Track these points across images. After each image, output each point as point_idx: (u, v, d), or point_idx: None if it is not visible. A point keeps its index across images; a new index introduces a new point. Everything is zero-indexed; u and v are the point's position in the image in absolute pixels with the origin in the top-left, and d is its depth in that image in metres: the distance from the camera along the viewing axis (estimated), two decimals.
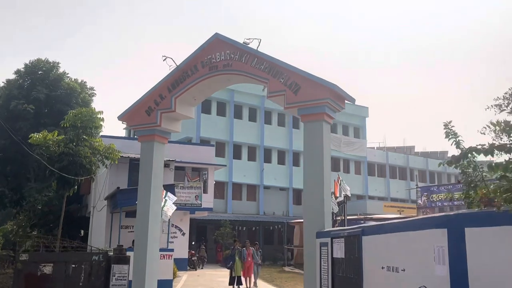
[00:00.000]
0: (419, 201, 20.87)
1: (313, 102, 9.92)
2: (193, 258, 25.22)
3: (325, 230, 9.44)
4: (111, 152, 15.36)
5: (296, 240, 31.98)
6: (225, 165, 33.52)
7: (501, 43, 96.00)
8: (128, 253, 12.02)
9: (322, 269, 9.18)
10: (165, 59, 11.67)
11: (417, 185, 21.94)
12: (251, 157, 42.29)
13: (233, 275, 16.42)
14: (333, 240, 8.53)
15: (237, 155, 40.86)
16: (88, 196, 25.05)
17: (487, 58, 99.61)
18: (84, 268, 11.22)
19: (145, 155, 12.39)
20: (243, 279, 16.71)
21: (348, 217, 30.79)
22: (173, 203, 15.15)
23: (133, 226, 18.74)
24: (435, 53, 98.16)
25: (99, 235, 19.45)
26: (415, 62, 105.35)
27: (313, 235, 9.76)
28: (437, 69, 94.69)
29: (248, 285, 16.76)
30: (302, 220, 29.76)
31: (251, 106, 42.94)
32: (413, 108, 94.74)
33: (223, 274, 23.70)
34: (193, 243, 27.41)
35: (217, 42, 11.28)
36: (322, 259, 9.20)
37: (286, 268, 28.72)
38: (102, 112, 15.51)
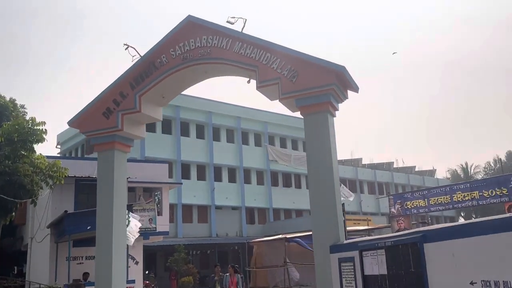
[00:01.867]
0: (392, 210, 19.85)
1: (316, 90, 8.30)
2: None
3: (346, 242, 7.76)
4: (56, 171, 12.91)
5: (254, 261, 30.03)
6: (181, 183, 31.20)
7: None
8: None
9: None
10: (126, 48, 9.69)
11: (388, 193, 20.90)
12: (201, 176, 40.13)
13: None
14: (363, 253, 6.85)
15: (185, 174, 38.54)
16: (24, 227, 21.89)
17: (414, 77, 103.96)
18: None
19: (103, 168, 10.19)
20: None
21: (306, 233, 29.48)
22: (136, 225, 12.95)
23: (82, 257, 16.14)
24: (374, 69, 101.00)
25: (41, 270, 16.61)
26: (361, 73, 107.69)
27: (326, 250, 8.04)
28: (377, 79, 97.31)
29: None
30: (262, 239, 27.84)
31: (198, 123, 40.94)
32: (359, 120, 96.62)
33: None
34: (147, 272, 24.79)
35: (191, 25, 9.44)
36: (344, 278, 7.47)
37: None
38: (44, 123, 13.08)
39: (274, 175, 45.04)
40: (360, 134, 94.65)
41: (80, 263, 15.76)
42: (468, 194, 17.25)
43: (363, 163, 55.61)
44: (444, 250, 5.25)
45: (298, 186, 46.71)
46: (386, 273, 6.21)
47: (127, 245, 10.96)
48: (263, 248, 31.23)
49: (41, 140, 12.94)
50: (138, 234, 13.40)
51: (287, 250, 27.17)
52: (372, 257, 6.56)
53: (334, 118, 8.90)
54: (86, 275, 14.52)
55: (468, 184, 17.89)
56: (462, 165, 65.70)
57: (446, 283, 5.24)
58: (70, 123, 10.37)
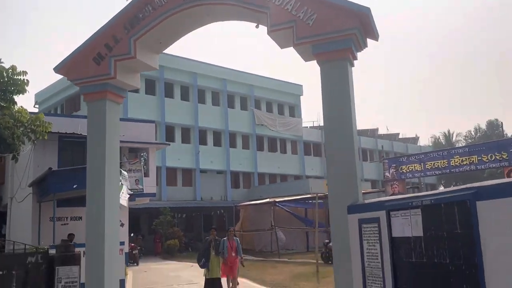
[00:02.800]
0: (387, 174, 19.41)
1: (336, 35, 7.43)
2: (134, 252, 22.05)
3: (368, 201, 7.11)
4: (39, 125, 11.88)
5: (241, 225, 29.67)
6: (169, 144, 30.24)
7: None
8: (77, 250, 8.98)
9: (366, 255, 6.82)
10: None
11: (383, 156, 20.42)
12: (185, 139, 39.20)
13: (206, 277, 11.66)
14: (392, 213, 6.20)
15: (170, 137, 37.52)
16: (2, 187, 20.86)
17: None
18: (17, 274, 8.05)
19: (94, 120, 9.26)
20: (224, 282, 11.96)
21: (295, 197, 29.13)
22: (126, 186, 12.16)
23: (67, 218, 15.33)
24: None
25: (22, 232, 15.75)
26: None
27: (343, 210, 7.38)
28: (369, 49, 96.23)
29: None
30: (249, 203, 27.38)
31: (183, 84, 39.71)
32: None
33: (173, 267, 20.83)
34: (132, 235, 24.13)
35: None
36: (365, 241, 6.83)
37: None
38: (25, 72, 11.96)
39: (260, 139, 44.37)
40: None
41: (64, 224, 14.95)
42: (466, 159, 16.84)
43: None
44: (502, 209, 4.60)
45: (284, 151, 46.21)
46: (421, 234, 5.57)
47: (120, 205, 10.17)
48: (250, 211, 30.88)
49: (22, 91, 11.82)
50: (128, 195, 12.57)
51: (274, 214, 26.86)
52: (403, 217, 5.91)
53: (356, 61, 8.13)
54: (71, 236, 13.75)
55: (467, 149, 17.44)
56: (444, 133, 66.00)
57: (501, 246, 4.62)
58: (57, 69, 9.34)
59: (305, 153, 47.58)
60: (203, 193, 38.98)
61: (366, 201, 7.13)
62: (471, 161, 16.77)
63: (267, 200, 28.38)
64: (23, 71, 11.94)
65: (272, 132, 44.85)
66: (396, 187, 19.05)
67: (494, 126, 71.91)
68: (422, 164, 18.28)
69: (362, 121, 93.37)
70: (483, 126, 73.58)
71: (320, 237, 29.30)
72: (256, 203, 29.25)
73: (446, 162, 17.51)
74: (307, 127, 50.95)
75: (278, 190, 36.05)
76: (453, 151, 17.98)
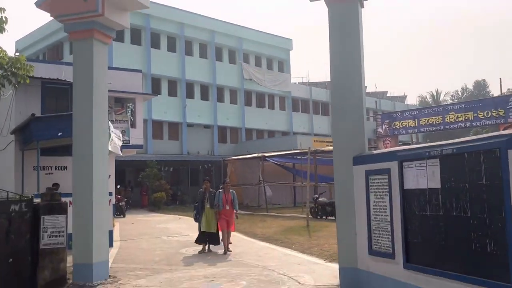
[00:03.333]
0: (379, 130, 19.07)
1: None
2: (121, 204, 21.71)
3: (378, 151, 6.72)
4: (20, 67, 11.08)
5: (228, 179, 29.38)
6: (157, 95, 29.38)
7: None
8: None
9: (372, 208, 6.49)
10: None
11: (376, 112, 20.05)
12: (172, 92, 38.28)
13: (201, 230, 11.34)
14: (405, 164, 5.82)
15: (156, 89, 36.52)
16: None
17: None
18: None
19: (81, 61, 8.62)
20: (220, 236, 11.33)
21: (284, 152, 28.83)
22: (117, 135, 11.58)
23: (51, 167, 14.78)
24: None
25: (3, 181, 15.10)
26: None
27: (348, 161, 7.00)
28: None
29: (226, 246, 11.06)
30: (238, 157, 26.96)
31: (170, 35, 38.40)
32: None
33: (160, 220, 20.58)
34: (118, 186, 23.71)
35: None
36: (373, 193, 6.49)
37: None
38: (4, 9, 11.03)
39: (248, 94, 43.64)
40: None
41: (49, 174, 14.40)
42: (462, 115, 16.55)
43: None
44: None
45: (272, 107, 45.63)
46: (438, 186, 5.21)
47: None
48: (238, 166, 30.63)
49: (0, 30, 10.97)
50: (121, 141, 12.00)
51: (263, 169, 26.63)
52: (418, 168, 5.54)
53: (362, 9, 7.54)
54: (55, 186, 13.22)
55: (463, 105, 17.11)
56: (432, 92, 65.89)
57: None
58: (38, 4, 8.57)
59: (293, 110, 47.08)
60: (190, 147, 38.51)
61: (375, 152, 6.74)
62: (466, 118, 16.50)
63: (256, 154, 28.05)
64: (1, 8, 11.02)
65: (260, 87, 44.10)
66: (388, 144, 18.78)
67: (481, 86, 72.06)
68: (416, 120, 17.96)
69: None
70: (470, 86, 73.77)
71: (309, 192, 29.33)
72: (244, 158, 28.93)
73: (441, 119, 17.20)
74: (296, 83, 50.26)
75: (266, 146, 35.69)
76: (448, 107, 17.66)
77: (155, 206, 27.36)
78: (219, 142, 41.06)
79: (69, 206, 8.57)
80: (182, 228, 16.97)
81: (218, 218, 11.27)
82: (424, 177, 5.42)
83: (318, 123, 49.04)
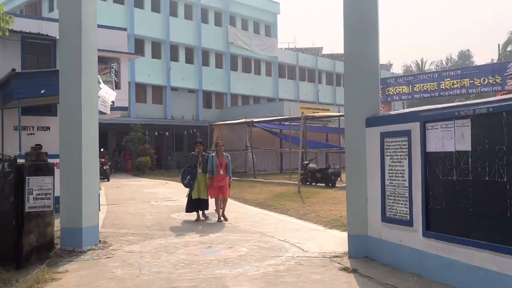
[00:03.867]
0: None
1: None
2: (105, 167, 21.08)
3: (398, 112, 6.26)
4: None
5: (215, 145, 28.88)
6: (142, 55, 28.36)
7: None
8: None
9: (388, 172, 6.09)
10: None
11: (419, 67, 19.56)
12: (156, 54, 37.15)
13: (193, 198, 10.34)
14: (428, 125, 5.38)
15: (139, 50, 35.30)
16: None
17: None
18: None
19: (68, 10, 7.88)
20: (211, 203, 10.61)
21: (272, 118, 28.33)
22: (107, 93, 10.90)
23: (33, 128, 14.05)
24: None
25: None
26: None
27: (360, 122, 6.56)
28: None
29: (221, 214, 10.34)
30: (224, 123, 26.41)
31: None
32: (322, 7, 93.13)
33: (146, 184, 20.06)
34: (102, 150, 22.97)
35: None
36: (388, 157, 6.07)
37: None
38: None
39: (234, 58, 42.68)
40: (324, 22, 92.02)
41: (30, 134, 13.68)
42: (457, 82, 16.20)
43: (323, 52, 53.99)
44: None
45: (258, 72, 44.82)
46: (469, 149, 4.79)
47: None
48: (225, 132, 30.05)
49: None
50: (112, 104, 11.34)
51: (251, 134, 26.15)
52: (445, 129, 5.10)
53: None
54: (38, 147, 12.56)
55: (459, 71, 16.71)
56: (416, 61, 65.61)
57: None
58: None
59: (279, 76, 46.35)
60: (174, 111, 37.71)
61: (393, 112, 6.29)
62: (462, 85, 16.16)
63: (244, 120, 27.50)
64: None
65: (246, 52, 43.16)
66: (381, 110, 18.38)
67: (466, 56, 72.17)
68: (410, 86, 17.55)
69: (338, 46, 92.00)
70: (455, 56, 73.83)
71: (295, 159, 29.06)
72: (232, 123, 28.34)
73: (436, 85, 16.83)
74: (282, 48, 49.36)
75: (252, 112, 34.97)
76: (444, 73, 17.26)
77: (139, 171, 26.79)
78: (204, 107, 40.32)
79: (56, 167, 7.99)
80: (170, 193, 16.52)
81: (209, 184, 10.38)
82: (451, 139, 5.00)
83: (304, 90, 48.50)
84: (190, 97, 39.69)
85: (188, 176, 10.41)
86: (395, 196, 5.87)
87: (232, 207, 12.57)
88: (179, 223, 10.10)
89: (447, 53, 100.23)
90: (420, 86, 17.45)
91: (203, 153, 10.74)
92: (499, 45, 20.34)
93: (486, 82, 15.58)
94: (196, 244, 7.91)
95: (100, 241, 8.16)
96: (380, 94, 18.78)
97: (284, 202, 13.26)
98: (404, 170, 5.71)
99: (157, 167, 29.87)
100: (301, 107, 37.55)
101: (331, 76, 51.81)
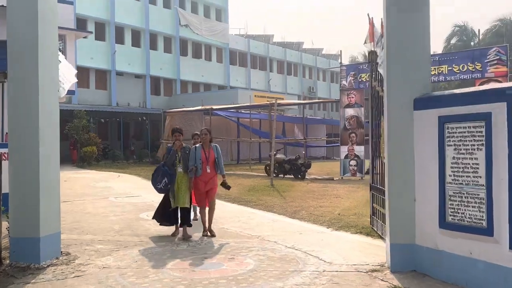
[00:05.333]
0: (344, 82, 17.59)
1: None
2: None
3: (466, 90, 5.02)
4: None
5: (168, 134, 27.01)
6: (91, 32, 25.83)
7: None
8: None
9: (451, 167, 4.86)
10: None
11: (341, 63, 18.60)
12: (100, 35, 34.45)
13: (170, 207, 7.63)
14: None
15: None
16: None
17: None
18: None
19: None
20: (196, 212, 8.56)
21: (222, 106, 26.80)
22: (69, 69, 8.99)
23: None
24: None
25: None
26: None
27: (405, 106, 5.30)
28: None
29: (208, 228, 7.67)
30: (179, 110, 24.64)
31: None
32: None
33: (97, 178, 17.98)
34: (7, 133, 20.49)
35: None
36: (451, 148, 4.84)
37: None
38: None
39: (183, 43, 40.60)
40: (274, 8, 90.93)
41: None
42: (435, 68, 15.47)
43: (274, 40, 52.90)
44: None
45: (209, 58, 42.99)
46: None
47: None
48: (178, 120, 28.16)
49: None
50: (75, 82, 9.38)
51: (210, 123, 24.48)
52: None
53: None
54: None
55: (437, 57, 15.97)
56: (364, 52, 66.05)
57: None
58: None
59: (230, 63, 44.78)
60: (119, 98, 35.28)
61: (458, 91, 5.05)
62: (440, 71, 15.45)
63: (203, 107, 25.82)
64: None
65: (197, 36, 41.19)
66: (353, 97, 17.42)
67: None
68: None
69: (289, 34, 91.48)
70: None
71: (254, 150, 27.88)
72: (188, 110, 26.56)
73: None
74: (233, 34, 47.74)
75: (203, 100, 33.08)
76: None
77: (84, 162, 24.44)
78: (152, 94, 38.10)
79: (4, 159, 6.21)
80: (129, 187, 14.73)
81: (193, 187, 7.64)
82: None
83: (256, 78, 47.25)
84: (136, 82, 37.33)
85: (165, 179, 7.49)
86: (462, 197, 4.67)
87: None
88: (152, 226, 8.47)
89: None
90: None
91: (183, 145, 7.81)
92: (479, 30, 19.86)
93: (465, 69, 14.95)
94: (185, 254, 6.40)
95: (62, 252, 6.47)
96: (352, 81, 17.93)
97: (262, 197, 11.94)
98: (477, 164, 4.51)
99: (103, 157, 27.56)
100: (255, 95, 36.36)
101: (282, 65, 50.88)
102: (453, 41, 55.12)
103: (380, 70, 6.83)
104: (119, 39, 35.70)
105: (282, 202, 11.02)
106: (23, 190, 6.04)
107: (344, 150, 17.71)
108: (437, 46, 76.76)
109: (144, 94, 37.36)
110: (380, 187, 6.89)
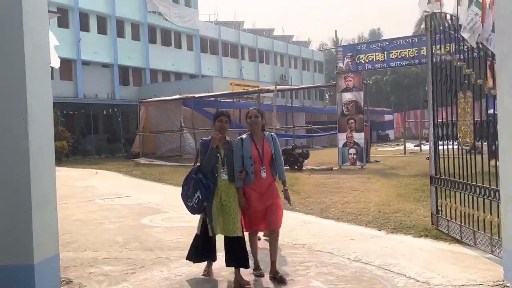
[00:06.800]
0: (340, 65, 16.36)
1: None
2: None
3: None
4: None
5: (143, 126, 25.20)
6: (59, 14, 23.56)
7: None
8: None
9: None
10: None
11: (337, 44, 17.31)
12: (63, 22, 31.96)
13: (209, 235, 4.85)
14: None
15: None
16: None
17: None
18: None
19: None
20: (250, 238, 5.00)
21: (199, 95, 25.11)
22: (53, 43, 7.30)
23: None
24: None
25: None
26: None
27: None
28: None
29: (274, 268, 4.80)
30: (155, 100, 22.85)
31: None
32: None
33: (72, 176, 16.09)
34: None
35: None
36: None
37: (143, 160, 22.24)
38: None
39: (152, 30, 38.45)
40: None
41: None
42: (442, 47, 14.43)
43: (244, 27, 51.26)
44: None
45: (179, 46, 40.97)
46: None
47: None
48: (155, 110, 26.27)
49: None
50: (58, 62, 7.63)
51: (192, 114, 22.79)
52: None
53: None
54: None
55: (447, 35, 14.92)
56: (333, 39, 65.35)
57: None
58: None
59: (201, 51, 42.90)
60: (86, 89, 32.99)
61: None
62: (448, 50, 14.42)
63: (176, 96, 24.13)
64: None
65: (166, 23, 39.07)
66: (350, 81, 16.20)
67: (376, 34, 73.77)
68: (385, 53, 15.55)
69: (260, 20, 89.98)
70: (366, 35, 75.26)
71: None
72: (165, 100, 24.75)
73: (416, 51, 15.00)
74: (203, 21, 45.80)
75: (173, 89, 31.05)
76: (425, 38, 15.42)
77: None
78: (121, 84, 35.95)
79: None
80: (114, 186, 13.04)
81: (243, 202, 4.79)
82: None
83: (228, 66, 45.56)
84: (104, 72, 35.06)
85: (199, 192, 4.77)
86: None
87: None
88: (163, 235, 6.96)
89: (359, 32, 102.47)
90: (396, 52, 15.46)
91: (227, 139, 4.99)
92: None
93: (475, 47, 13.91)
94: (226, 275, 4.95)
95: (62, 280, 4.93)
96: (350, 63, 16.71)
97: None
98: None
99: (73, 152, 25.50)
100: (231, 83, 34.80)
101: (253, 52, 49.35)
102: (423, 25, 55.14)
103: (465, 35, 5.53)
104: (84, 26, 33.33)
105: (298, 198, 9.65)
106: (9, 203, 4.45)
107: (342, 137, 16.49)
108: (407, 31, 77.09)
109: (112, 85, 35.15)
110: (458, 180, 5.64)
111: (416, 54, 15.20)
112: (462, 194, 5.60)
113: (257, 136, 4.95)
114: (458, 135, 5.65)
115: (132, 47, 36.47)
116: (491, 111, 5.25)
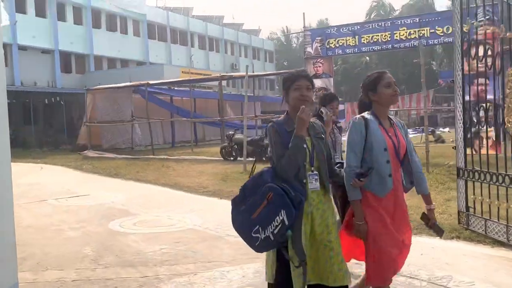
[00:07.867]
0: (308, 50, 15.42)
1: None
2: None
3: None
4: None
5: (90, 116, 23.26)
6: None
7: None
8: None
9: None
10: None
11: (304, 27, 16.38)
12: None
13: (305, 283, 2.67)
14: None
15: None
16: None
17: None
18: None
19: None
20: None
21: (153, 82, 23.52)
22: None
23: None
24: None
25: None
26: None
27: None
28: None
29: None
30: (104, 87, 21.11)
31: None
32: None
33: (13, 170, 14.26)
34: None
35: None
36: None
37: (91, 153, 20.45)
38: None
39: (96, 14, 36.02)
40: None
41: None
42: (415, 31, 13.85)
43: (193, 13, 49.47)
44: None
45: (125, 31, 38.70)
46: None
47: None
48: (103, 99, 24.27)
49: None
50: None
51: (147, 104, 21.12)
52: None
53: None
54: None
55: (417, 19, 14.25)
56: (283, 28, 64.89)
57: None
58: None
59: (149, 37, 40.81)
60: (24, 76, 30.32)
61: None
62: (421, 34, 13.80)
63: (128, 83, 22.42)
64: None
65: (110, 7, 36.72)
66: (320, 66, 15.35)
67: (324, 24, 73.97)
68: (357, 37, 14.76)
69: (210, 6, 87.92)
70: (314, 25, 75.29)
71: (188, 131, 24.99)
72: (115, 87, 22.92)
73: (389, 35, 14.32)
74: (150, 6, 43.64)
75: (119, 77, 28.90)
76: (398, 21, 14.71)
77: None
78: (62, 71, 33.46)
79: None
80: (64, 183, 11.44)
81: (364, 229, 2.85)
82: None
83: (177, 54, 43.71)
84: (43, 58, 32.42)
85: (283, 213, 2.56)
86: None
87: (182, 200, 8.40)
88: (142, 244, 5.72)
89: (308, 22, 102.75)
90: (368, 37, 14.72)
91: (313, 123, 2.96)
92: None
93: (450, 32, 13.38)
94: None
95: None
96: (319, 47, 15.84)
97: None
98: None
99: (12, 145, 23.16)
100: (182, 72, 33.28)
101: (203, 40, 47.72)
102: (372, 15, 55.65)
103: None
104: (20, 8, 30.54)
105: None
106: None
107: None
108: (358, 19, 77.82)
109: (53, 72, 32.61)
110: (498, 172, 4.82)
111: (389, 39, 14.52)
112: (505, 189, 4.79)
113: (384, 119, 3.02)
114: (507, 120, 4.81)
115: (74, 31, 33.98)
116: None
